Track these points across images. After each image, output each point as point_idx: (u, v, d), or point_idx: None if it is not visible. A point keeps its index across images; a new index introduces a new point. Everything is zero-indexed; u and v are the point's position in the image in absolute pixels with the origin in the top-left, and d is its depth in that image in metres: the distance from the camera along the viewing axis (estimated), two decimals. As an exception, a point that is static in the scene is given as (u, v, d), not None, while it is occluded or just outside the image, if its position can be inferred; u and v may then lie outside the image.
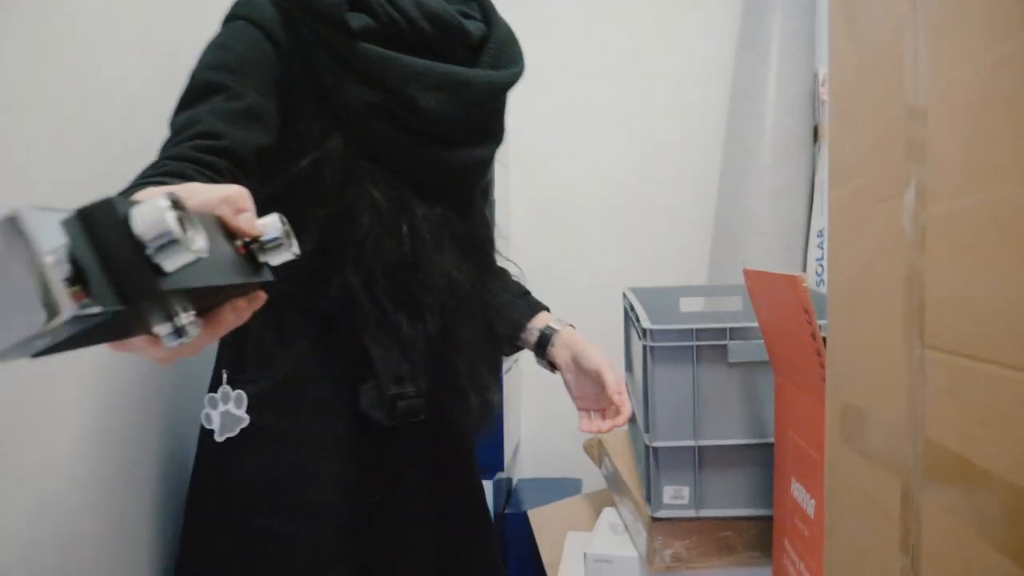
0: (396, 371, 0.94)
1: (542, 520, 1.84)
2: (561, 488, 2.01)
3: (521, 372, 2.17)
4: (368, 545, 0.99)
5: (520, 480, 2.17)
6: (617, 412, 1.05)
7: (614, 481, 1.49)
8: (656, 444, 1.15)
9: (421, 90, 0.91)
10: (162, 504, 1.05)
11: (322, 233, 0.91)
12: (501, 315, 1.08)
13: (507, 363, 1.33)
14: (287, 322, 0.96)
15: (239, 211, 0.52)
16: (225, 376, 0.96)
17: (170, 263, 0.36)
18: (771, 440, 1.09)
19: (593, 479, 1.91)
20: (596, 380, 1.06)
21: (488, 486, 1.89)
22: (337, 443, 0.97)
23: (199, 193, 0.51)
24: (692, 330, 1.11)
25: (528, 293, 1.18)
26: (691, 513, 1.15)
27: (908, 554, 0.49)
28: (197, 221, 0.38)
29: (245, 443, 0.94)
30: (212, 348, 0.99)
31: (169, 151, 0.77)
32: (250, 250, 0.51)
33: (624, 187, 2.29)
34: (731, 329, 1.11)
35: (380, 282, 0.92)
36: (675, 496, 1.16)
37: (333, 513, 0.96)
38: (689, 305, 1.60)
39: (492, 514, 1.91)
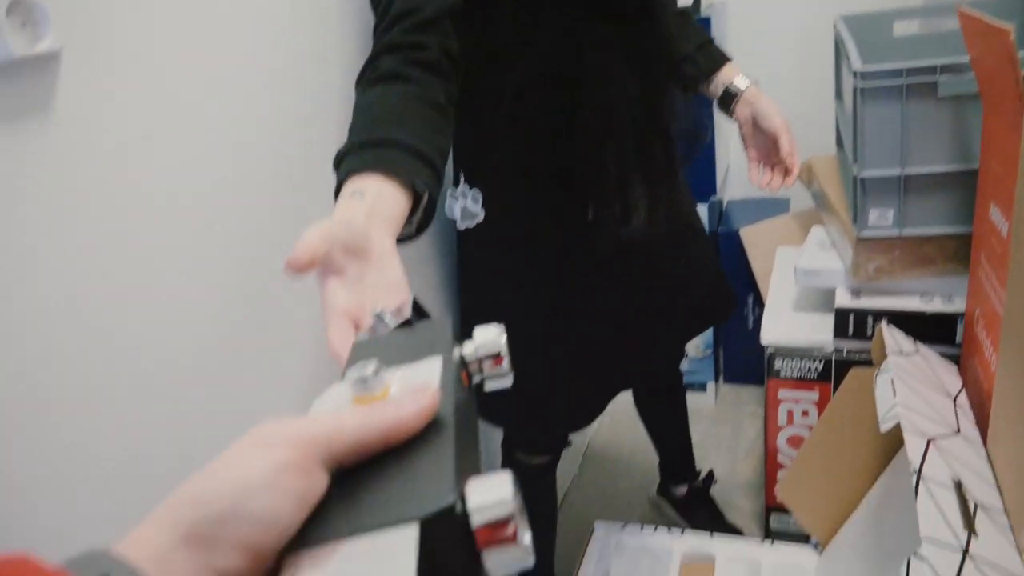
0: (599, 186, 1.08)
1: (753, 237, 2.03)
2: (770, 208, 2.16)
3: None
4: (592, 301, 1.19)
5: (731, 201, 2.34)
6: (787, 172, 1.17)
7: (822, 202, 1.63)
8: (863, 175, 1.28)
9: None
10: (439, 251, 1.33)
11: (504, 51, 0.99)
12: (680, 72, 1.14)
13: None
14: (499, 135, 1.08)
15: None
16: (463, 175, 1.14)
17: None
18: (975, 167, 1.19)
19: (801, 199, 2.05)
20: (772, 140, 1.17)
21: (702, 208, 2.10)
22: (559, 237, 1.14)
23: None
24: (903, 69, 1.19)
25: (711, 42, 1.25)
26: (894, 233, 1.30)
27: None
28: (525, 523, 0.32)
29: (489, 234, 1.11)
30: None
31: (380, 40, 0.82)
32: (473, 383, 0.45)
33: None
34: (941, 66, 1.17)
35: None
36: (880, 218, 1.31)
37: (554, 286, 1.16)
38: (904, 29, 1.60)
39: (707, 233, 2.12)
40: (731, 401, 2.28)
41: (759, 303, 1.87)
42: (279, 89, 0.92)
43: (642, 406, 1.68)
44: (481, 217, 1.04)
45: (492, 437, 1.49)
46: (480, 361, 0.43)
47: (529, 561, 0.31)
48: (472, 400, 0.42)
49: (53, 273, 0.63)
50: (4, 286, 0.58)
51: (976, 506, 0.85)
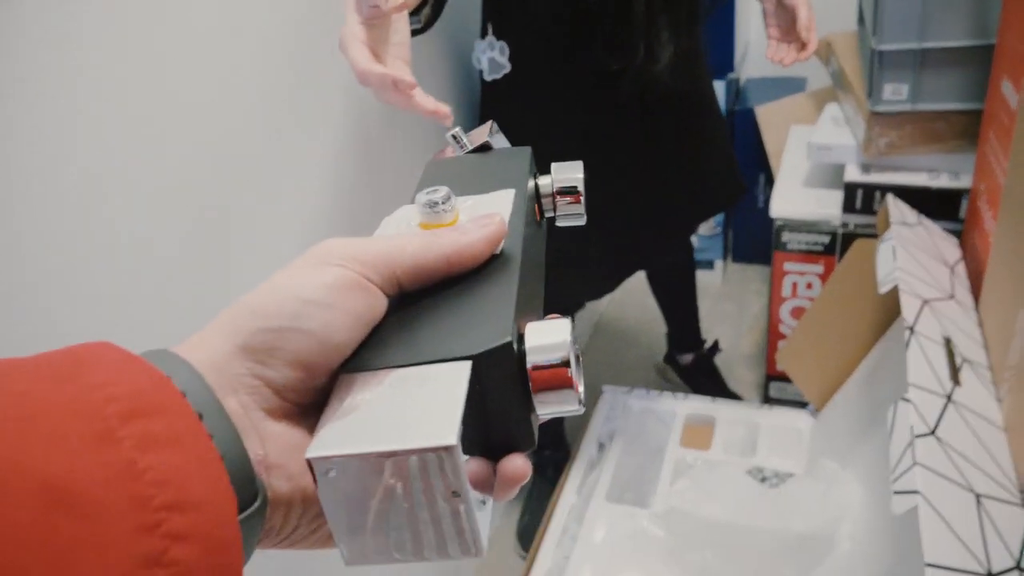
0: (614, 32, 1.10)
1: (768, 115, 2.04)
2: (787, 86, 2.16)
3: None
4: (608, 158, 1.23)
5: (748, 80, 2.33)
6: (803, 47, 1.17)
7: (839, 79, 1.64)
8: (881, 47, 1.29)
9: None
10: (462, 104, 1.35)
11: None
12: None
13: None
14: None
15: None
16: (491, 27, 1.15)
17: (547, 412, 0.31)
18: (992, 42, 1.20)
19: (817, 77, 2.04)
20: (792, 14, 1.16)
21: (719, 86, 2.10)
22: (575, 88, 1.17)
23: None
24: (928, -60, 1.19)
25: None
26: (907, 107, 1.32)
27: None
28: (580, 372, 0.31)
29: (511, 86, 1.14)
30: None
31: None
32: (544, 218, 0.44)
33: None
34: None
35: None
36: (894, 93, 1.33)
37: (574, 139, 1.20)
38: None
39: (723, 112, 2.13)
40: (738, 279, 2.34)
41: (770, 182, 1.90)
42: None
43: (654, 279, 1.74)
44: (508, 69, 1.05)
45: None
46: (555, 196, 0.41)
47: (579, 409, 0.30)
48: (542, 235, 0.42)
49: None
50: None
51: (963, 360, 0.91)
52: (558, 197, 0.41)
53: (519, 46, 1.11)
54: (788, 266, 1.57)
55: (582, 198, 0.41)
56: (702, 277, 2.33)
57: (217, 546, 0.23)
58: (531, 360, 0.29)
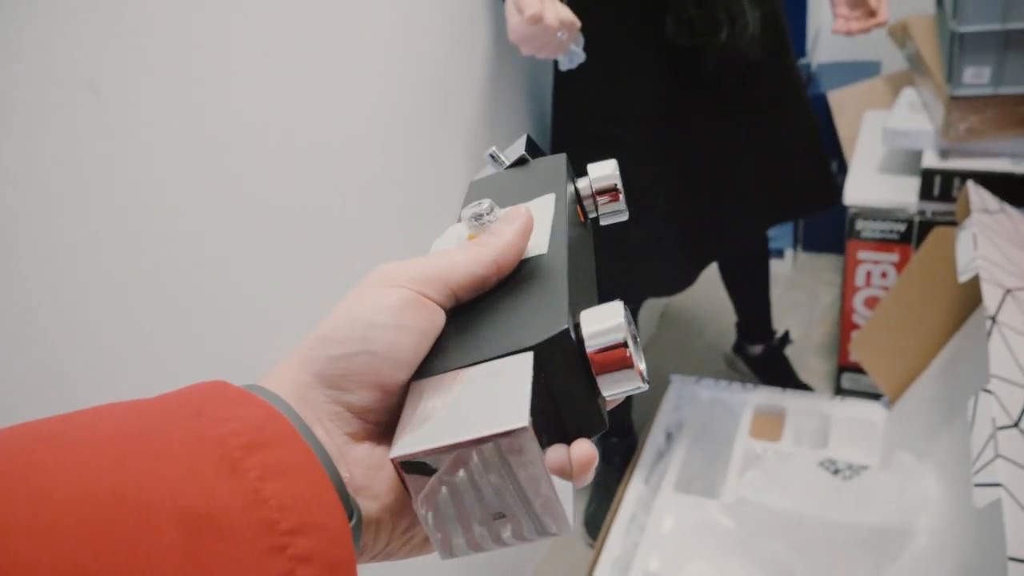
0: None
1: (841, 100, 1.99)
2: (861, 71, 2.11)
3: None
4: (686, 141, 1.22)
5: (820, 64, 2.28)
6: (873, 13, 1.14)
7: (916, 62, 1.60)
8: (962, 29, 1.25)
9: None
10: (530, 112, 1.36)
11: None
12: None
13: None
14: None
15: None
16: None
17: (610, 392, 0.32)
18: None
19: (892, 61, 1.99)
20: None
21: (790, 71, 2.06)
22: (651, 70, 1.17)
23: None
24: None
25: None
26: (990, 91, 1.28)
27: None
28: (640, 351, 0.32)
29: (584, 74, 1.13)
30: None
31: None
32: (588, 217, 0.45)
33: None
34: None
35: None
36: (975, 76, 1.29)
37: (650, 122, 1.20)
38: None
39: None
40: (808, 268, 2.30)
41: (843, 170, 1.85)
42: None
43: (726, 269, 1.72)
44: (583, 59, 1.05)
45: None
46: (595, 196, 0.43)
47: (643, 386, 0.31)
48: (588, 235, 0.43)
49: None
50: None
51: (1048, 351, 0.88)
52: (598, 197, 0.43)
53: (593, 33, 1.11)
54: (862, 255, 1.54)
55: (621, 195, 0.43)
56: (772, 266, 2.29)
57: (335, 566, 0.25)
58: (590, 345, 0.30)
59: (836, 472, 1.28)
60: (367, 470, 0.30)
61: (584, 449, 0.30)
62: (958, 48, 1.27)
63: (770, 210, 1.38)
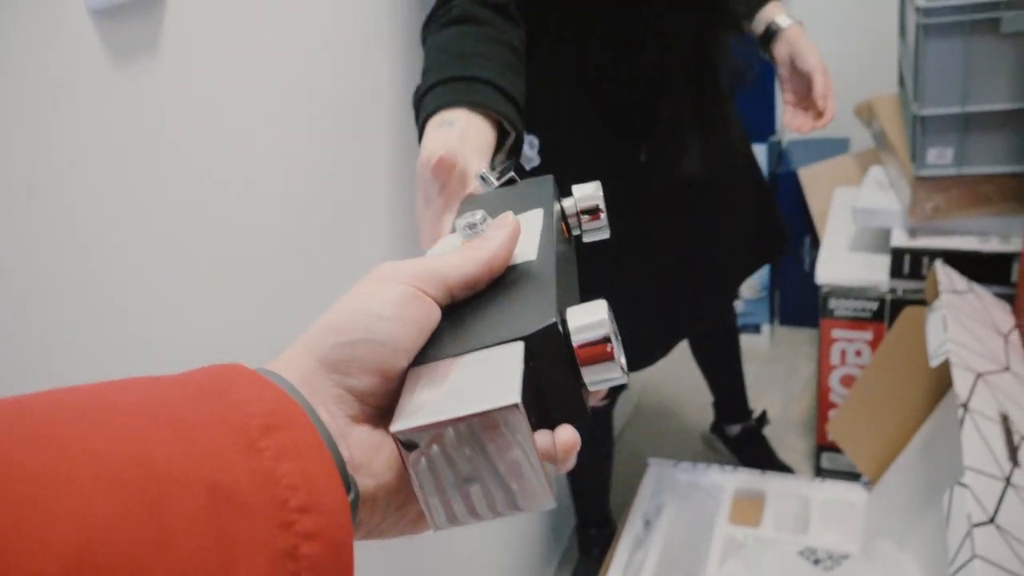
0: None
1: (812, 177, 2.02)
2: (829, 147, 2.14)
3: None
4: (645, 232, 1.19)
5: (790, 142, 2.31)
6: (820, 115, 1.12)
7: (882, 141, 1.62)
8: (923, 112, 1.27)
9: None
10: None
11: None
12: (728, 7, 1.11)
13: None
14: (556, 82, 1.08)
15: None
16: None
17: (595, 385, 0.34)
18: (1038, 103, 1.18)
19: (860, 138, 2.02)
20: (807, 81, 1.12)
21: (761, 149, 2.09)
22: (601, 178, 1.16)
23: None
24: (966, 5, 1.17)
25: None
26: (953, 171, 1.29)
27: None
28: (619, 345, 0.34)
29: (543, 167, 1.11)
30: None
31: None
32: (572, 234, 0.47)
33: None
34: (1004, 2, 1.15)
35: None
36: (939, 157, 1.30)
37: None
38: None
39: (766, 174, 2.11)
40: (786, 342, 2.29)
41: (816, 244, 1.86)
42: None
43: (696, 346, 1.70)
44: (537, 162, 1.05)
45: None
46: (579, 215, 0.46)
47: (624, 379, 0.34)
48: (572, 250, 0.45)
49: (151, 210, 0.67)
50: (108, 221, 0.63)
51: (1021, 438, 0.87)
52: (582, 216, 0.46)
53: (548, 139, 1.10)
54: (836, 333, 1.53)
55: (603, 215, 0.46)
56: (749, 341, 2.28)
57: (337, 544, 0.27)
58: (576, 339, 0.33)
59: (817, 562, 1.25)
60: (366, 450, 0.31)
61: (568, 434, 0.33)
62: (920, 130, 1.28)
63: (730, 274, 1.38)
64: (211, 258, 0.74)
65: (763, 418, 1.80)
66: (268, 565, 0.25)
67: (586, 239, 0.47)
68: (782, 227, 1.41)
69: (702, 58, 1.05)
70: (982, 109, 1.24)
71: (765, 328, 2.28)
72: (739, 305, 2.25)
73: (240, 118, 0.78)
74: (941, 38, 1.22)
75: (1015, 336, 1.11)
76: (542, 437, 0.32)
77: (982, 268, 1.30)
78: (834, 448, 1.62)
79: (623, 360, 0.34)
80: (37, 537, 0.21)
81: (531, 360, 0.32)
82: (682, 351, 1.75)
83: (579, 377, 0.33)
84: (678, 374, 2.11)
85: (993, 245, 1.31)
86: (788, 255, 2.20)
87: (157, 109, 0.68)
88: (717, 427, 1.84)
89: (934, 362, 0.99)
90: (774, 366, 2.21)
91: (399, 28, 1.05)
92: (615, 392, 1.44)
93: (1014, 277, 1.28)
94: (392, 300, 0.33)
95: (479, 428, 0.30)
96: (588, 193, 0.46)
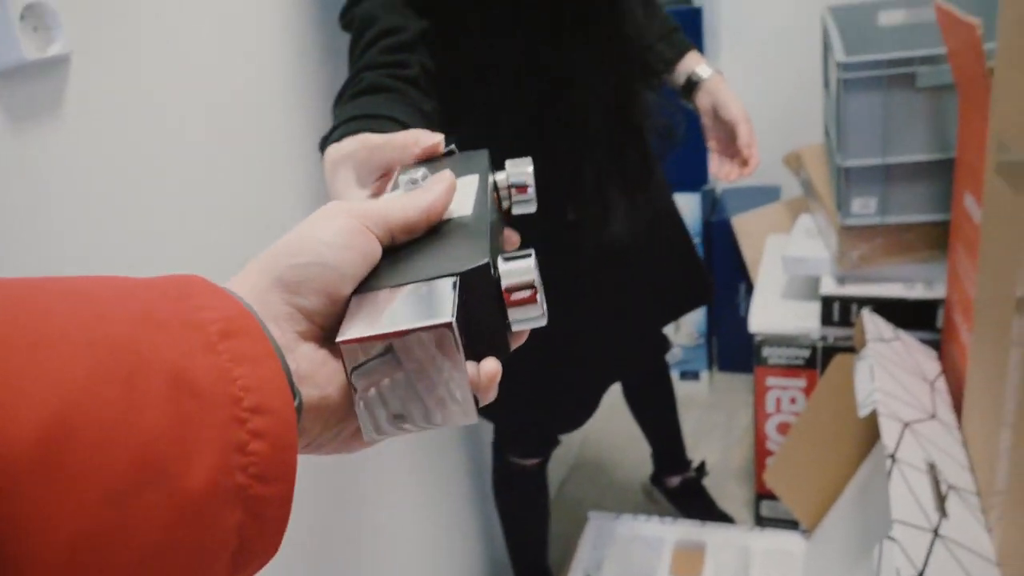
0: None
1: (745, 225, 2.05)
2: (762, 195, 2.18)
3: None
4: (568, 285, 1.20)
5: (724, 190, 2.35)
6: (745, 163, 1.14)
7: (810, 190, 1.65)
8: (847, 164, 1.30)
9: None
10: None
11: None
12: (648, 56, 1.11)
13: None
14: (475, 145, 1.09)
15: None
16: None
17: (519, 325, 0.38)
18: (953, 156, 1.21)
19: (791, 186, 2.06)
20: (731, 130, 1.14)
21: (695, 199, 2.12)
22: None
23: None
24: (883, 60, 1.21)
25: (678, 29, 1.22)
26: (877, 220, 1.32)
27: None
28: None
29: None
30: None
31: (360, 60, 0.81)
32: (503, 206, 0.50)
33: None
34: (920, 57, 1.19)
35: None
36: (863, 206, 1.33)
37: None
38: (889, 19, 1.62)
39: (700, 222, 2.14)
40: (724, 389, 2.30)
41: (751, 291, 1.88)
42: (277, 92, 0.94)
43: (631, 397, 1.70)
44: None
45: (485, 435, 1.51)
46: (510, 188, 0.49)
47: (543, 321, 0.37)
48: (501, 219, 0.48)
49: (65, 270, 0.64)
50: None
51: (948, 488, 0.87)
52: (512, 190, 0.49)
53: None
54: (771, 381, 1.54)
55: (530, 189, 0.49)
56: (688, 388, 2.29)
57: (283, 445, 0.29)
58: (505, 282, 0.37)
59: (755, 615, 1.23)
60: (311, 364, 0.34)
61: (491, 364, 0.37)
62: (844, 180, 1.31)
63: (653, 317, 1.38)
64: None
65: (702, 468, 1.79)
66: (220, 453, 0.27)
67: (515, 211, 0.50)
68: (704, 275, 1.42)
69: (623, 115, 1.06)
70: (902, 160, 1.27)
71: (704, 375, 2.29)
72: (677, 352, 2.26)
73: (154, 175, 0.75)
74: (861, 92, 1.25)
75: (941, 382, 1.12)
76: (469, 367, 0.35)
77: (908, 315, 1.32)
78: (773, 496, 1.62)
79: (545, 307, 0.37)
80: (23, 394, 0.23)
81: (463, 295, 0.35)
82: (619, 405, 1.75)
83: (505, 316, 0.37)
84: (616, 427, 2.10)
85: (918, 292, 1.33)
86: (723, 302, 2.23)
87: (63, 172, 0.65)
88: (657, 479, 1.82)
89: (863, 412, 1.00)
90: (713, 412, 2.21)
91: (311, 84, 1.04)
92: (548, 448, 1.43)
93: (939, 323, 1.31)
94: (340, 230, 0.36)
95: (416, 343, 0.33)
96: (520, 169, 0.49)
